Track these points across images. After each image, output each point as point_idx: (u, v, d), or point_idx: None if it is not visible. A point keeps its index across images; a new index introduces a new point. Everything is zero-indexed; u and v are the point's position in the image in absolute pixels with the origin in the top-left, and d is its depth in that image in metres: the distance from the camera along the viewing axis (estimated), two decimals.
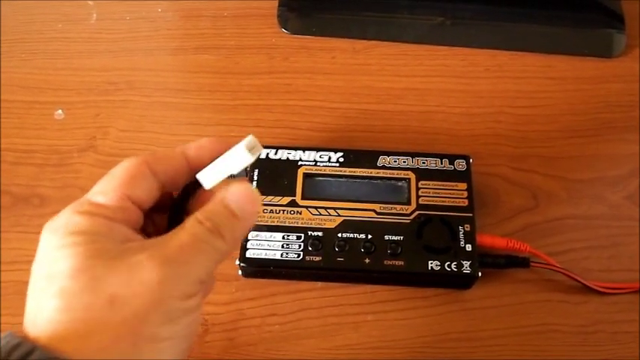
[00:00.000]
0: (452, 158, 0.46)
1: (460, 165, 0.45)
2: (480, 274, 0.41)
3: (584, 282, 0.43)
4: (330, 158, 0.46)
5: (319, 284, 0.44)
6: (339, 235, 0.42)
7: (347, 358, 0.42)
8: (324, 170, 0.45)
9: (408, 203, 0.44)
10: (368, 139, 0.51)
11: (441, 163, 0.45)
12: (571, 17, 0.57)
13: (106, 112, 0.52)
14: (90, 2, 0.59)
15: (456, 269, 0.41)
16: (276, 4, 0.58)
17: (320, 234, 0.42)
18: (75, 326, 0.23)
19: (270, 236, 0.42)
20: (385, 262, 0.41)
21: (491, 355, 0.42)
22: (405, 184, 0.45)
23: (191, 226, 0.27)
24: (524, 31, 0.57)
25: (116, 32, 0.57)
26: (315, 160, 0.45)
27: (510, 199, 0.48)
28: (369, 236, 0.42)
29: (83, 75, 0.54)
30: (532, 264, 0.43)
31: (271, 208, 0.43)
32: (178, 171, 0.29)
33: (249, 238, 0.42)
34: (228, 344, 0.42)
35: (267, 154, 0.45)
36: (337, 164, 0.45)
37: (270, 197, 0.44)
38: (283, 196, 0.44)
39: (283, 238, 0.42)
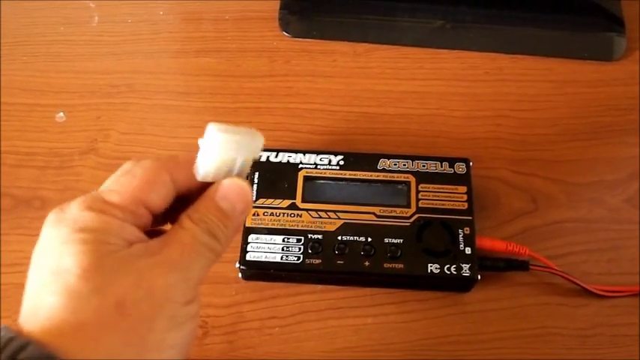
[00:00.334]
0: (452, 161, 0.46)
1: (460, 168, 0.45)
2: (479, 277, 0.41)
3: (584, 285, 0.43)
4: (330, 161, 0.46)
5: (319, 287, 0.44)
6: (339, 238, 0.42)
7: None
8: (325, 173, 0.45)
9: (408, 206, 0.44)
10: (368, 142, 0.51)
11: (441, 166, 0.45)
12: (571, 21, 0.57)
13: (107, 114, 0.52)
14: (92, 5, 0.59)
15: (455, 272, 0.41)
16: (277, 7, 0.58)
17: (320, 237, 0.42)
18: (84, 329, 0.23)
19: (271, 239, 0.42)
20: (385, 265, 0.42)
21: (490, 358, 0.42)
22: (405, 187, 0.45)
23: (189, 227, 0.26)
24: (525, 34, 0.57)
25: (118, 35, 0.57)
26: (315, 163, 0.46)
27: (510, 202, 0.48)
28: (369, 239, 0.42)
29: (85, 78, 0.55)
30: (531, 267, 0.44)
31: (271, 210, 0.43)
32: (196, 180, 0.28)
33: (250, 241, 0.42)
34: (228, 347, 0.42)
35: (268, 156, 0.46)
36: (337, 167, 0.45)
37: (270, 200, 0.44)
38: (283, 198, 0.44)
39: (283, 240, 0.42)
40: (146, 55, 0.56)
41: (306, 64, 0.55)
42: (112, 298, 0.24)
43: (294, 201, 0.44)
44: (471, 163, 0.46)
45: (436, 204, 0.44)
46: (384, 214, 0.43)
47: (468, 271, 0.41)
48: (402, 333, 0.43)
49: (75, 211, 0.25)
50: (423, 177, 0.45)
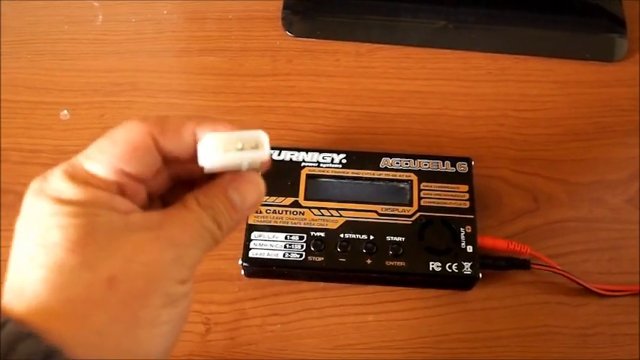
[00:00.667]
0: (454, 160, 0.46)
1: (462, 167, 0.46)
2: (480, 275, 0.41)
3: (585, 284, 0.44)
4: (332, 159, 0.46)
5: (321, 284, 0.44)
6: (342, 235, 0.43)
7: (348, 358, 0.42)
8: (327, 171, 0.45)
9: (410, 205, 0.44)
10: (371, 141, 0.51)
11: (443, 165, 0.46)
12: (573, 21, 0.57)
13: (110, 112, 0.53)
14: (96, 4, 0.59)
15: (456, 270, 0.41)
16: (280, 6, 0.58)
17: (322, 234, 0.43)
18: (71, 305, 0.22)
19: (273, 236, 0.43)
20: (387, 262, 0.42)
21: (491, 356, 0.42)
22: (407, 186, 0.45)
23: (195, 210, 0.26)
24: (527, 35, 0.57)
25: (122, 34, 0.58)
26: (318, 162, 0.46)
27: (511, 201, 0.48)
28: (371, 237, 0.43)
29: (88, 76, 0.55)
30: (532, 266, 0.44)
31: (274, 208, 0.44)
32: (186, 150, 0.26)
33: (252, 238, 0.42)
34: (230, 343, 0.43)
35: (271, 155, 0.46)
36: (340, 165, 0.46)
37: (273, 198, 0.44)
38: (286, 196, 0.44)
39: (286, 238, 0.43)
40: (150, 53, 0.56)
41: (309, 64, 0.56)
42: (104, 272, 0.22)
43: (296, 199, 0.44)
44: (472, 163, 0.46)
45: (438, 202, 0.44)
46: (386, 212, 0.44)
47: (469, 270, 0.41)
48: (403, 331, 0.43)
49: (58, 181, 0.24)
50: (425, 176, 0.45)
